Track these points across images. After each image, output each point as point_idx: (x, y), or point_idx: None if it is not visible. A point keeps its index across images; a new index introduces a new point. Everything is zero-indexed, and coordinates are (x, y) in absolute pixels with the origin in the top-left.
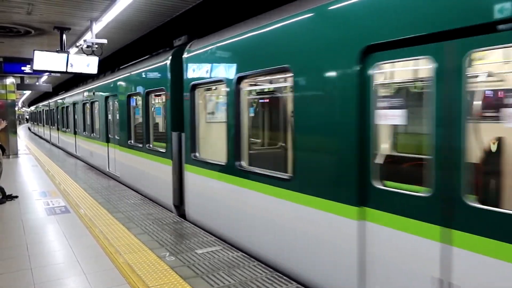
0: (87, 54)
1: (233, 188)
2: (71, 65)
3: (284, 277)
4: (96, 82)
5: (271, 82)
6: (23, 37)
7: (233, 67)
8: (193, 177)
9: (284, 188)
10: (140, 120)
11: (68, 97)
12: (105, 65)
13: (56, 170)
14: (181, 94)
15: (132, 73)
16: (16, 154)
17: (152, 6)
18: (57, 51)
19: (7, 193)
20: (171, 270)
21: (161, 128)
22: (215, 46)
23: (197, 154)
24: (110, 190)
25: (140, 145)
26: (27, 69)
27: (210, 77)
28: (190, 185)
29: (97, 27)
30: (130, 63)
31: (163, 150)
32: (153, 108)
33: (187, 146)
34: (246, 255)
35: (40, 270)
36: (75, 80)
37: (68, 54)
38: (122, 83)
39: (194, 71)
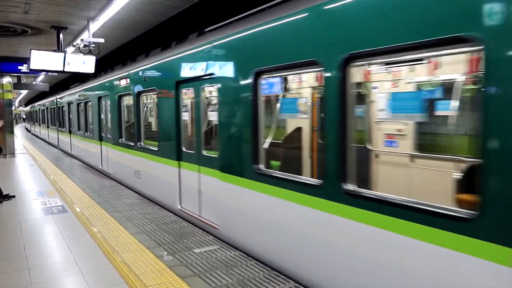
0: (84, 53)
1: None
2: (68, 64)
3: (282, 276)
4: (148, 61)
5: None
6: (20, 36)
7: None
8: None
9: None
10: (290, 125)
11: (88, 90)
12: (104, 65)
13: (53, 169)
14: None
15: (269, 26)
16: (13, 154)
17: (149, 5)
18: (54, 51)
19: (4, 193)
20: (169, 269)
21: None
22: None
23: None
24: (108, 190)
25: (317, 183)
26: (24, 68)
27: None
28: None
29: (94, 26)
30: (245, 14)
31: (464, 216)
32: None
33: None
34: (244, 254)
35: (38, 270)
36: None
37: (65, 54)
38: (231, 54)
39: None
